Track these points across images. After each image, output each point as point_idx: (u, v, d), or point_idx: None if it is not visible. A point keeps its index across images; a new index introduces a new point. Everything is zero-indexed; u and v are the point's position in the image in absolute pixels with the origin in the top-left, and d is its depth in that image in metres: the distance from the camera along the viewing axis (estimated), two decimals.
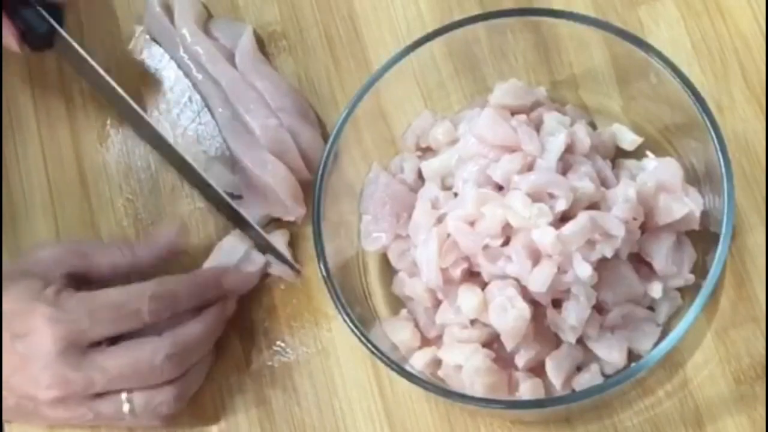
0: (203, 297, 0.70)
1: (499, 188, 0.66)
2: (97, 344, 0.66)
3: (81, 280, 0.69)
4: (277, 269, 0.74)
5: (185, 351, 0.68)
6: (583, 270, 0.62)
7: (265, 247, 0.74)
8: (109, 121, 0.80)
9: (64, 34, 0.75)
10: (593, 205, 0.64)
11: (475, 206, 0.64)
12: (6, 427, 0.72)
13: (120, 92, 0.75)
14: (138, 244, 0.73)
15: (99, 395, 0.66)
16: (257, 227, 0.73)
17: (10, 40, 0.74)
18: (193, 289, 0.70)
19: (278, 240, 0.74)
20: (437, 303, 0.68)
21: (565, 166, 0.66)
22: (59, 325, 0.65)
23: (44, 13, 0.75)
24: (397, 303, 0.71)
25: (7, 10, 0.74)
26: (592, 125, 0.72)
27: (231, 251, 0.74)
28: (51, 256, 0.69)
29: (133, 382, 0.66)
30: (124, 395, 0.67)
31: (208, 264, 0.74)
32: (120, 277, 0.70)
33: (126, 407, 0.67)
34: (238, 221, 0.75)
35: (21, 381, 0.65)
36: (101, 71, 0.75)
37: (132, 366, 0.66)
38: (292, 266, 0.73)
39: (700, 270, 0.66)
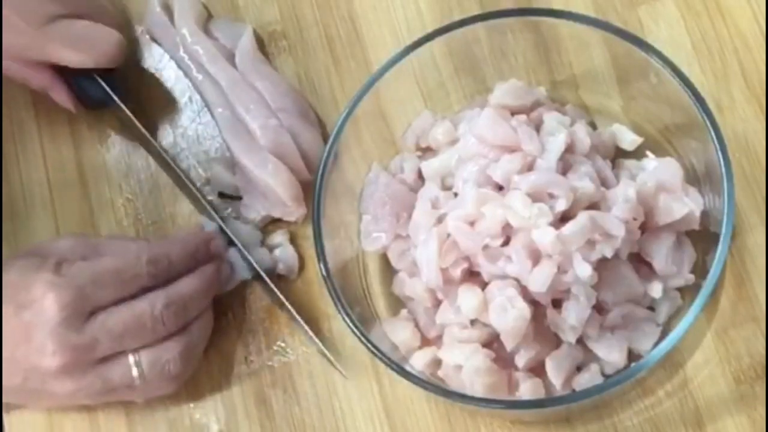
0: (195, 258, 0.71)
1: (499, 188, 0.66)
2: (99, 310, 0.67)
3: None
4: (278, 268, 0.74)
5: (182, 302, 0.69)
6: (583, 270, 0.62)
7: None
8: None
9: (119, 102, 0.77)
10: (593, 205, 0.64)
11: (475, 206, 0.64)
12: (6, 419, 0.72)
13: (170, 162, 0.77)
14: (151, 241, 0.74)
15: (105, 360, 0.67)
16: (260, 271, 0.74)
17: (67, 102, 0.78)
18: (185, 250, 0.71)
19: (279, 249, 0.75)
20: (437, 303, 0.68)
21: (565, 166, 0.66)
22: (62, 291, 0.66)
23: (100, 80, 0.76)
24: (397, 303, 0.71)
25: (65, 75, 0.76)
26: (592, 125, 0.72)
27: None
28: (66, 244, 0.70)
29: (138, 338, 0.67)
30: (131, 357, 0.67)
31: None
32: None
33: (135, 371, 0.68)
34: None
35: (27, 352, 0.66)
36: (154, 141, 0.77)
37: (133, 320, 0.67)
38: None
39: (700, 270, 0.66)
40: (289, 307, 0.72)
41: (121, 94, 0.77)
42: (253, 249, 0.74)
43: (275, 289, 0.72)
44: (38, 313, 0.66)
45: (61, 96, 0.77)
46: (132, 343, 0.67)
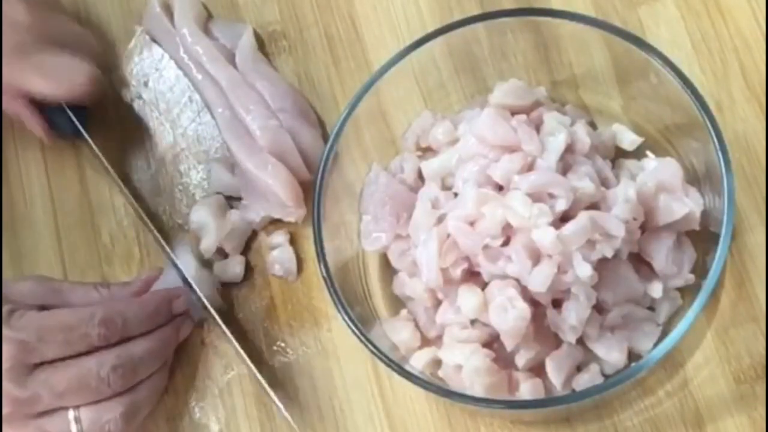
0: (154, 321, 0.70)
1: (499, 188, 0.66)
2: (46, 363, 0.66)
3: None
4: (278, 269, 0.74)
5: (131, 364, 0.67)
6: (583, 270, 0.62)
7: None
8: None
9: (87, 138, 0.76)
10: (593, 205, 0.64)
11: (475, 206, 0.64)
12: None
13: (134, 204, 0.76)
14: (114, 285, 0.73)
15: (46, 413, 0.66)
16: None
17: (39, 132, 0.77)
18: (143, 313, 0.70)
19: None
20: (437, 303, 0.68)
21: (565, 166, 0.66)
22: (7, 343, 0.64)
23: (70, 113, 0.76)
24: (397, 303, 0.71)
25: (36, 106, 0.76)
26: (592, 125, 0.72)
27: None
28: (26, 287, 0.69)
29: (81, 397, 0.66)
30: (71, 413, 0.66)
31: (159, 284, 0.74)
32: None
33: (74, 427, 0.66)
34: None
35: None
36: (119, 181, 0.76)
37: (78, 379, 0.66)
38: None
39: (700, 270, 0.66)
40: (238, 348, 0.71)
41: (87, 128, 0.77)
42: (204, 285, 0.73)
43: (225, 330, 0.72)
44: None
45: (33, 125, 0.77)
46: (74, 400, 0.66)
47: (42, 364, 0.66)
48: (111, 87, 0.81)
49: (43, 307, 0.69)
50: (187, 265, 0.73)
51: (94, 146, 0.76)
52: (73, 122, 0.76)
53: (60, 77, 0.74)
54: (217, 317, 0.72)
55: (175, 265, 0.73)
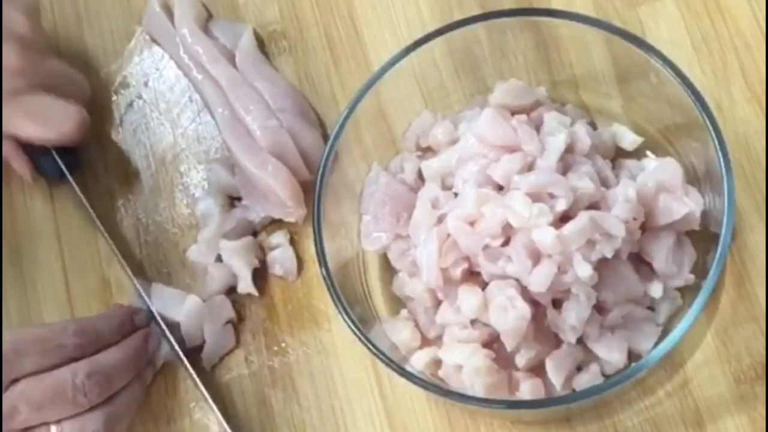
0: (121, 332, 0.71)
1: (499, 188, 0.66)
2: (22, 378, 0.66)
3: None
4: (278, 269, 0.74)
5: (105, 373, 0.68)
6: (583, 270, 0.62)
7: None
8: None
9: (73, 183, 0.77)
10: (593, 205, 0.64)
11: (475, 206, 0.64)
12: None
13: (115, 251, 0.76)
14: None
15: (28, 430, 0.66)
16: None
17: (26, 174, 0.77)
18: (110, 323, 0.71)
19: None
20: (437, 303, 0.68)
21: (565, 166, 0.66)
22: None
23: (57, 157, 0.76)
24: (397, 303, 0.71)
25: (24, 149, 0.76)
26: (592, 125, 0.72)
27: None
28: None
29: (58, 409, 0.66)
30: (53, 428, 0.66)
31: None
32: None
33: None
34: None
35: None
36: (102, 230, 0.76)
37: (53, 389, 0.65)
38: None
39: (700, 270, 0.66)
40: (203, 391, 0.72)
41: (74, 171, 0.77)
42: (173, 327, 0.73)
43: (192, 374, 0.72)
44: None
45: (20, 167, 0.77)
46: (52, 413, 0.66)
47: (18, 378, 0.65)
48: (111, 87, 0.81)
49: None
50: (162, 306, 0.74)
51: (78, 190, 0.77)
52: (59, 166, 0.77)
53: (48, 121, 0.74)
54: (186, 362, 0.72)
55: (149, 308, 0.74)
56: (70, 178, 0.77)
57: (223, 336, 0.74)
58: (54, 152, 0.76)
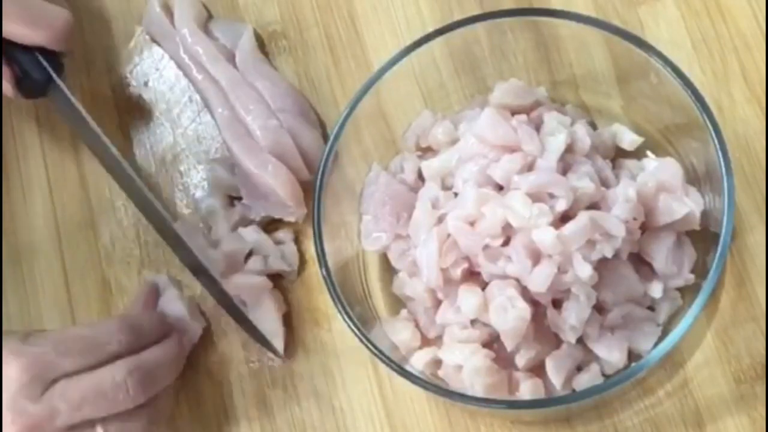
0: (163, 329, 0.70)
1: (499, 188, 0.66)
2: (63, 378, 0.65)
3: None
4: (276, 265, 0.74)
5: (147, 371, 0.67)
6: (583, 270, 0.62)
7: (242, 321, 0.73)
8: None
9: (60, 84, 0.75)
10: (593, 205, 0.64)
11: (475, 206, 0.64)
12: None
13: (115, 153, 0.74)
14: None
15: (72, 429, 0.65)
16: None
17: (5, 85, 0.75)
18: (155, 319, 0.70)
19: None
20: (437, 303, 0.68)
21: (565, 166, 0.66)
22: (23, 358, 0.63)
23: (42, 60, 0.75)
24: (397, 303, 0.71)
25: (5, 54, 0.74)
26: (592, 125, 0.72)
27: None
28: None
29: (99, 407, 0.65)
30: (99, 428, 0.65)
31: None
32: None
33: None
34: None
35: None
36: (95, 127, 0.74)
37: (94, 388, 0.64)
38: (264, 342, 0.73)
39: (700, 270, 0.66)
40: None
41: (60, 75, 0.75)
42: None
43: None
44: (2, 382, 0.64)
45: (3, 76, 0.74)
46: (93, 411, 0.65)
47: (59, 378, 0.65)
48: (111, 86, 0.81)
49: None
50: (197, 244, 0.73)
51: (65, 89, 0.75)
52: (46, 70, 0.74)
53: (38, 20, 0.73)
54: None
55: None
56: (58, 80, 0.75)
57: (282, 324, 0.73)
58: (39, 56, 0.74)
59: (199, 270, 0.73)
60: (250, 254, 0.75)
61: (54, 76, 0.75)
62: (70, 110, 0.75)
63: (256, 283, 0.73)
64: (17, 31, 0.73)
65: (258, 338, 0.72)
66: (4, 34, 0.73)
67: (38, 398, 0.64)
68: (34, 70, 0.74)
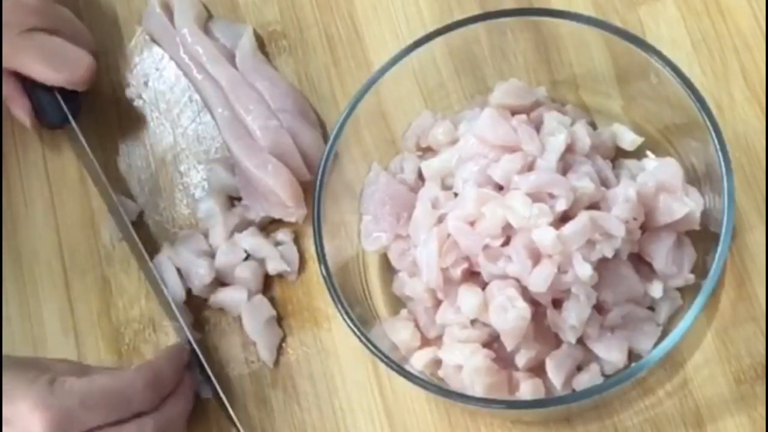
0: (180, 373, 0.70)
1: (499, 188, 0.66)
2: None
3: None
4: (275, 267, 0.74)
5: (167, 425, 0.67)
6: (584, 270, 0.62)
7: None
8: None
9: (75, 128, 0.76)
10: (593, 205, 0.64)
11: (475, 206, 0.64)
12: None
13: (119, 207, 0.76)
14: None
15: None
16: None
17: (24, 117, 0.77)
18: (173, 366, 0.70)
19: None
20: (437, 303, 0.68)
21: (565, 166, 0.66)
22: (49, 412, 0.62)
23: (61, 100, 0.76)
24: (397, 303, 0.71)
25: (26, 88, 0.76)
26: (592, 125, 0.72)
27: None
28: (61, 367, 0.68)
29: None
30: None
31: None
32: None
33: None
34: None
35: None
36: (103, 177, 0.76)
37: None
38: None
39: (700, 270, 0.66)
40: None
41: (77, 116, 0.77)
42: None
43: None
44: (22, 430, 0.63)
45: (20, 109, 0.76)
46: None
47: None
48: (111, 86, 0.81)
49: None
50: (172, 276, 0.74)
51: (79, 134, 0.76)
52: (62, 109, 0.76)
53: (62, 63, 0.74)
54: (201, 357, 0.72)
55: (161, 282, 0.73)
56: (73, 122, 0.76)
57: (270, 331, 0.73)
58: (58, 95, 0.76)
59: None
60: (247, 257, 0.75)
61: (70, 118, 0.77)
62: (81, 151, 0.77)
63: (236, 298, 0.74)
64: (40, 71, 0.74)
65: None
66: (27, 72, 0.74)
67: None
68: (52, 109, 0.76)
